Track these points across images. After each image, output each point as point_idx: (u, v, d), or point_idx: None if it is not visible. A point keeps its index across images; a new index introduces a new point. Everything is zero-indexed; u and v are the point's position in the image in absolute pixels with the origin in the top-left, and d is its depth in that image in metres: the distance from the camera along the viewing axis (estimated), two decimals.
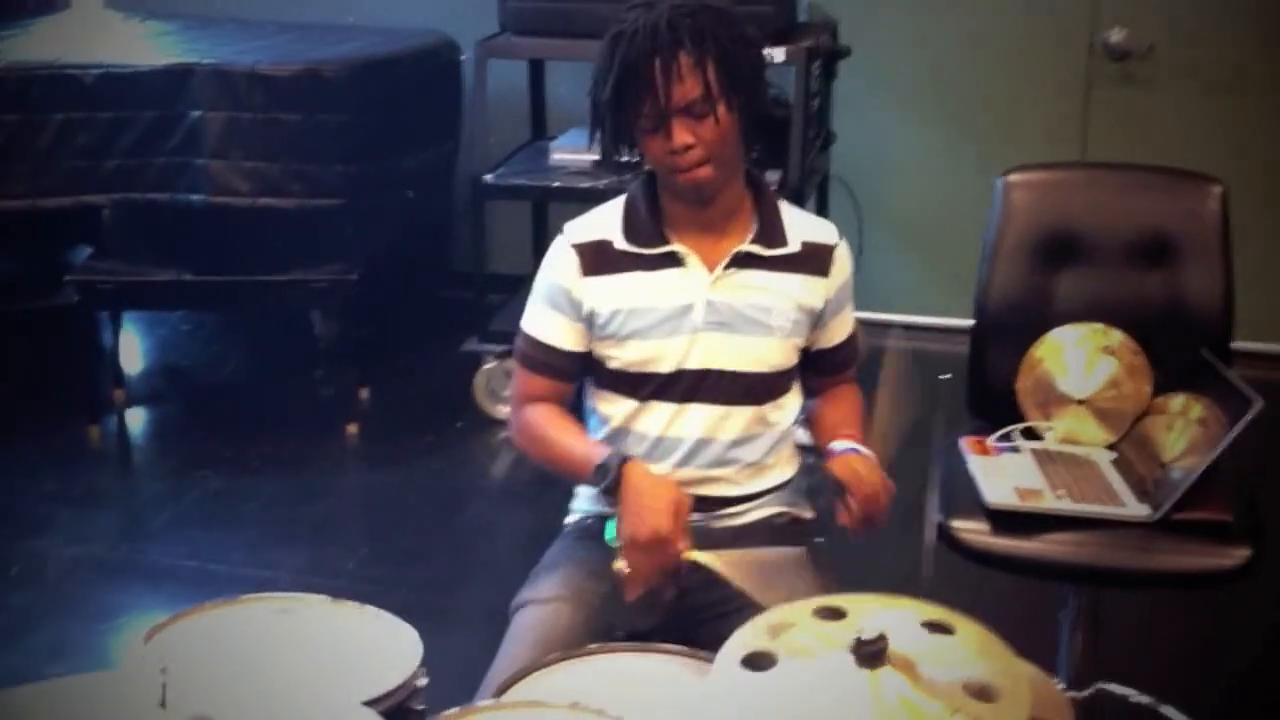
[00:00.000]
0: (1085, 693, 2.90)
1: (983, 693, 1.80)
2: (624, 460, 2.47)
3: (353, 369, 5.11)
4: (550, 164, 4.90)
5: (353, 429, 4.92)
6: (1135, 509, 2.60)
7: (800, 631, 1.86)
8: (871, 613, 1.83)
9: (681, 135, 2.47)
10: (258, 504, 4.48)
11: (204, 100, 4.73)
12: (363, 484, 4.80)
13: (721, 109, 2.47)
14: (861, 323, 5.40)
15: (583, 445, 2.58)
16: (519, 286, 2.77)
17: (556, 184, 4.77)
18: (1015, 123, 5.29)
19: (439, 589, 3.94)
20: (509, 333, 2.78)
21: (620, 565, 2.40)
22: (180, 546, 4.24)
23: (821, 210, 5.24)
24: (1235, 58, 5.19)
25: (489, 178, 4.86)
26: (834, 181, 5.29)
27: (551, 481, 3.41)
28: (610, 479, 2.46)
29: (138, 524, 4.48)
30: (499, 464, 4.93)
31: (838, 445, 2.56)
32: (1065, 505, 2.60)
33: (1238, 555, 2.55)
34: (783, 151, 4.58)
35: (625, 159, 2.59)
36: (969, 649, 1.84)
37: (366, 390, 5.13)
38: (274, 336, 5.77)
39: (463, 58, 5.31)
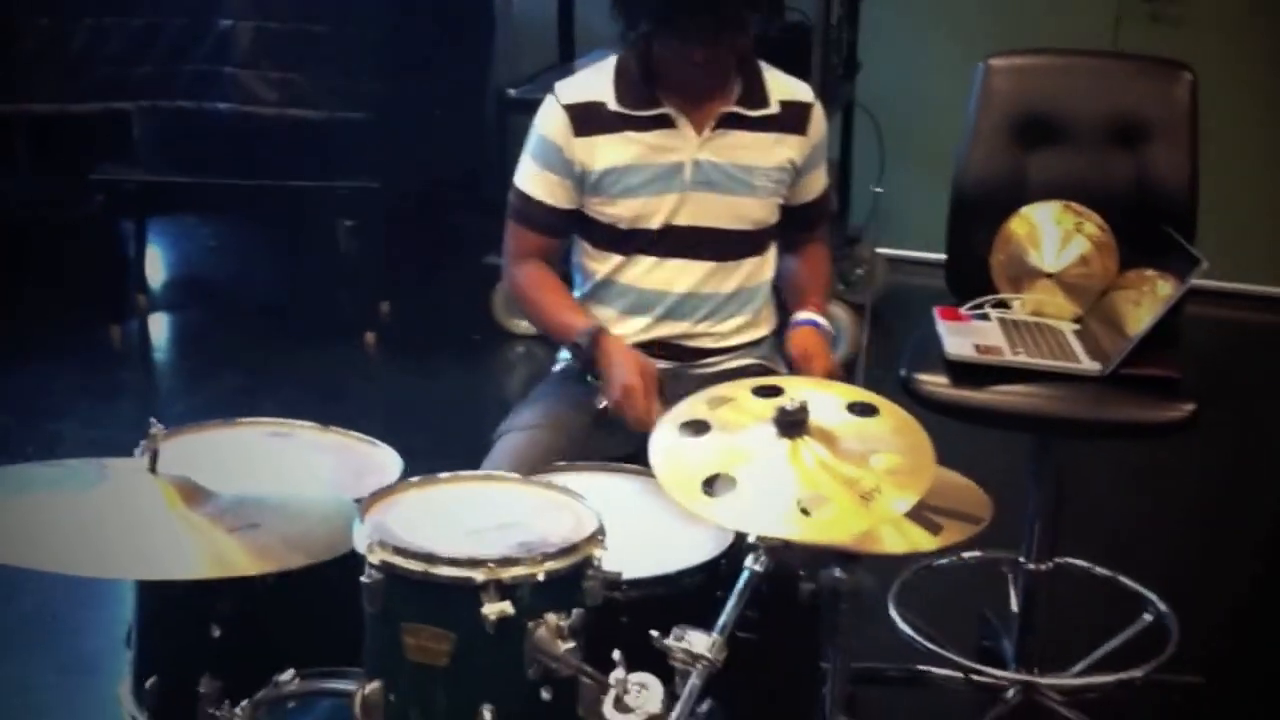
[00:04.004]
0: (1046, 565, 3.15)
1: (891, 464, 2.08)
2: (597, 334, 2.80)
3: (375, 282, 5.42)
4: None
5: (371, 338, 5.24)
6: (1088, 364, 2.87)
7: (736, 405, 2.15)
8: (803, 392, 2.11)
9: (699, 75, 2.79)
10: (274, 401, 4.77)
11: (235, 9, 5.04)
12: (380, 390, 5.11)
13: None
14: (884, 257, 5.71)
15: (566, 315, 2.90)
16: None
17: None
18: None
19: None
20: None
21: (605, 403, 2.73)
22: None
23: (845, 140, 5.50)
24: None
25: (513, 92, 5.17)
26: (858, 110, 5.55)
27: None
28: (586, 352, 2.80)
29: (155, 414, 4.77)
30: (515, 376, 5.23)
31: (799, 316, 2.90)
32: (1021, 359, 2.87)
33: (1184, 409, 2.82)
34: (802, 75, 4.84)
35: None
36: (886, 428, 2.13)
37: (387, 304, 5.44)
38: (298, 251, 6.12)
39: None
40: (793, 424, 2.03)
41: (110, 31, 5.08)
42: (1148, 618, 3.34)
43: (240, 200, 5.33)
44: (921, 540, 2.19)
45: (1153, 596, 3.37)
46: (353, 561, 2.05)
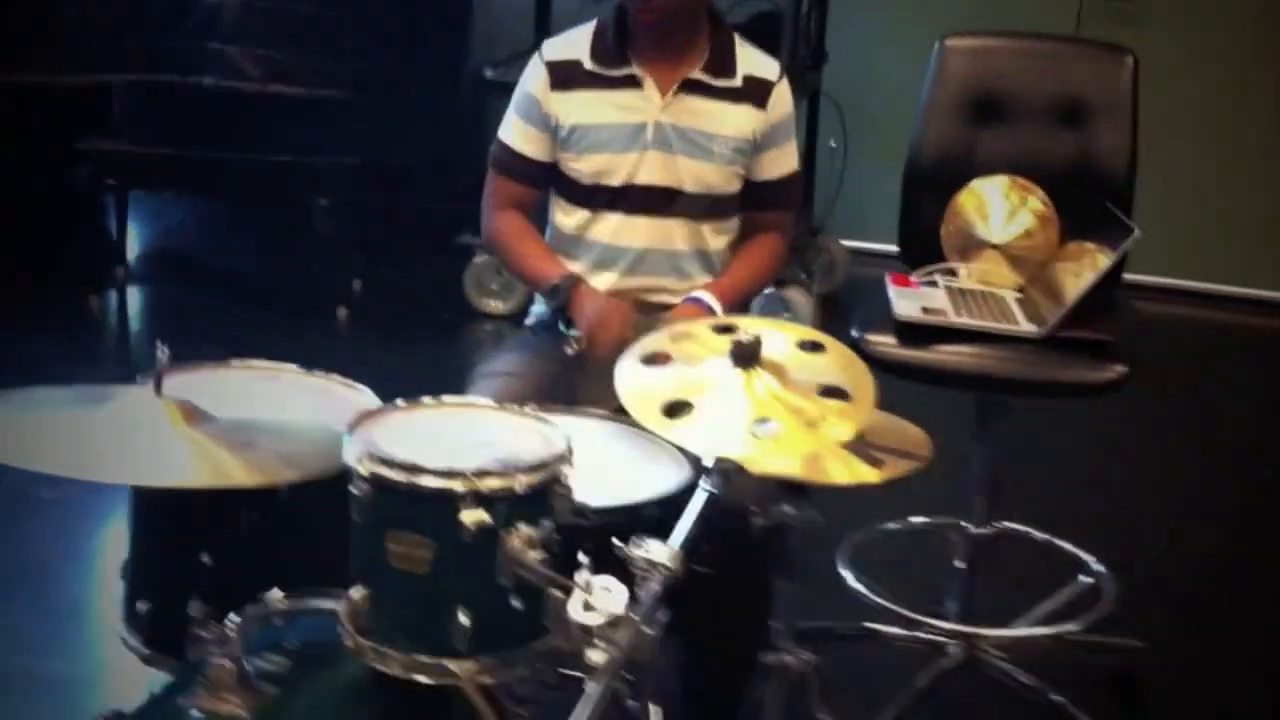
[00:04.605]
0: (988, 529, 3.36)
1: (837, 394, 2.27)
2: (574, 283, 2.99)
3: (348, 260, 5.60)
4: None
5: (343, 314, 5.42)
6: (1027, 326, 3.07)
7: (696, 339, 2.34)
8: (758, 329, 2.30)
9: (654, 19, 2.95)
10: None
11: None
12: (350, 366, 5.21)
13: None
14: (846, 248, 5.88)
15: (544, 264, 3.09)
16: None
17: None
18: None
19: None
20: None
21: (576, 334, 2.92)
22: None
23: (811, 129, 5.69)
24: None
25: (490, 74, 5.35)
26: (824, 99, 5.73)
27: None
28: (562, 298, 2.99)
29: (128, 379, 4.95)
30: (484, 354, 5.40)
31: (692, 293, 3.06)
32: (964, 321, 3.07)
33: (1116, 371, 3.02)
34: None
35: None
36: (833, 363, 2.32)
37: (359, 281, 5.62)
38: (273, 228, 6.28)
39: None
40: (746, 356, 2.22)
41: (101, 6, 5.24)
42: (1085, 580, 3.55)
43: (220, 173, 5.49)
44: (866, 474, 2.37)
45: (1089, 559, 3.58)
46: (335, 492, 2.18)
